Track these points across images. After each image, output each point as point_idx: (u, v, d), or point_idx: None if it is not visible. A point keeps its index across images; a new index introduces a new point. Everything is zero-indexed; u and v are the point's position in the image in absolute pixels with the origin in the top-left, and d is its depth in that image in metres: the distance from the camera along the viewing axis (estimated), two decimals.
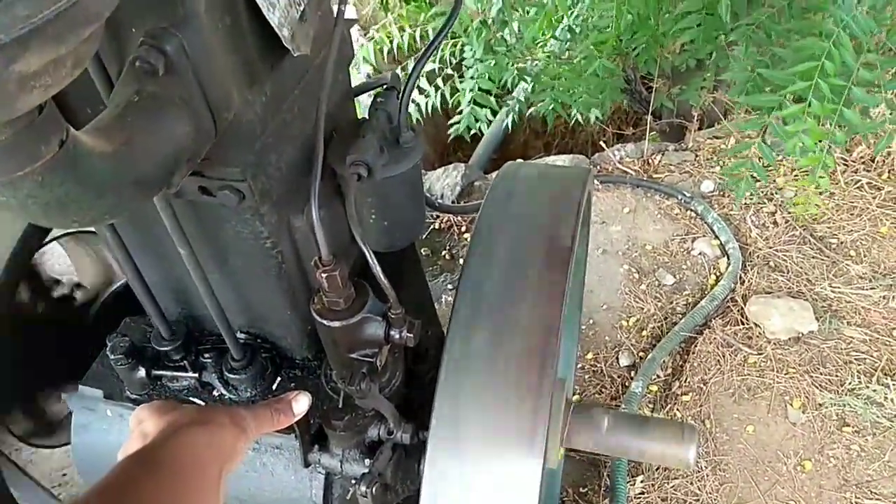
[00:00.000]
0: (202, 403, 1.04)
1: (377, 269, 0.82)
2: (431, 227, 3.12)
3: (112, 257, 0.97)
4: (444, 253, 3.03)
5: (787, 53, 1.75)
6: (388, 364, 0.96)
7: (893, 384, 2.25)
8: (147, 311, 1.02)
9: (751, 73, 1.96)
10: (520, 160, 1.36)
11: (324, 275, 0.79)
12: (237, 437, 0.74)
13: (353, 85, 1.05)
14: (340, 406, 0.93)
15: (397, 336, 0.86)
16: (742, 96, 1.88)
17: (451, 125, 3.00)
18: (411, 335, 0.86)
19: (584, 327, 2.59)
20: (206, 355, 1.04)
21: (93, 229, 1.56)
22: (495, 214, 1.10)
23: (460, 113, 2.95)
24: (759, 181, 2.04)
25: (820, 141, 1.70)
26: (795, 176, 3.07)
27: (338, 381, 0.92)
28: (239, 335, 1.06)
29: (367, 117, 0.93)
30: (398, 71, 2.75)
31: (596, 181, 3.13)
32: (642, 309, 2.66)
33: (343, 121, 1.00)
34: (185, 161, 0.68)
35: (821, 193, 2.09)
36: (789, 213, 2.90)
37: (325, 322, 0.84)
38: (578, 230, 1.08)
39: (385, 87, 0.96)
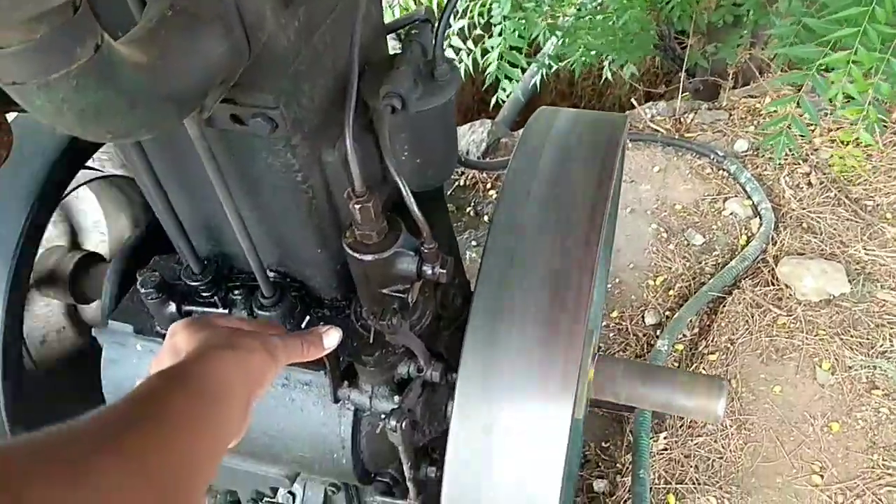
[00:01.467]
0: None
1: (411, 201, 0.80)
2: (456, 183, 3.10)
3: (145, 192, 0.96)
4: (468, 209, 3.01)
5: (833, 3, 1.68)
6: (419, 301, 0.95)
7: None
8: (176, 245, 1.02)
9: (794, 26, 1.89)
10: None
11: (357, 206, 0.78)
12: (267, 364, 0.74)
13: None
14: (371, 342, 0.92)
15: (430, 271, 0.85)
16: (784, 48, 1.81)
17: (478, 79, 2.94)
18: (444, 271, 0.85)
19: (609, 286, 2.57)
20: (236, 292, 1.04)
21: (125, 174, 1.57)
22: (531, 155, 1.07)
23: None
24: (801, 137, 1.97)
25: (863, 92, 1.63)
26: (832, 137, 2.99)
27: (368, 318, 0.91)
28: (269, 274, 1.05)
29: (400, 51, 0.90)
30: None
31: (627, 140, 3.07)
32: (670, 268, 2.63)
33: (376, 56, 0.97)
34: (219, 82, 0.67)
35: (867, 146, 2.01)
36: (824, 174, 2.83)
37: (357, 256, 0.83)
38: (615, 174, 1.05)
39: (420, 20, 0.94)
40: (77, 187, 1.52)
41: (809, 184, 2.81)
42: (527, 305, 0.92)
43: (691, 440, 2.11)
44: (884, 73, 1.63)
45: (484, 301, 0.93)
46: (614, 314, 2.51)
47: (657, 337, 2.38)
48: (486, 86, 2.94)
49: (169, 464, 0.53)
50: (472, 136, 3.16)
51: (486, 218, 2.99)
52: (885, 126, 2.99)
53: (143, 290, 1.01)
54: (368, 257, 0.82)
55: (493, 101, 2.98)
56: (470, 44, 2.93)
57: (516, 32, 2.77)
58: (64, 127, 0.53)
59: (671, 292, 2.55)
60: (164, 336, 1.07)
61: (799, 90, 1.97)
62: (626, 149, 1.45)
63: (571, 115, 1.21)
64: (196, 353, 0.69)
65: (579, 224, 0.98)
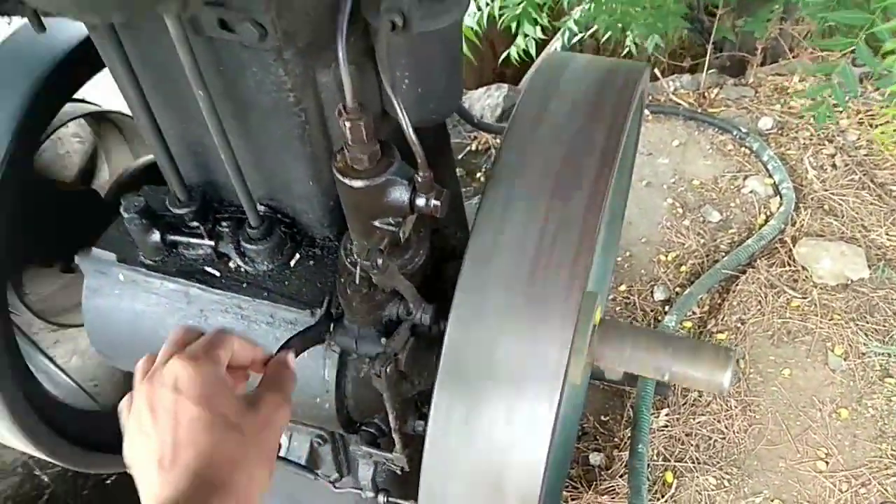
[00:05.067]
0: (216, 273, 0.99)
1: (408, 128, 0.74)
2: (468, 148, 3.03)
3: (131, 111, 0.91)
4: (479, 175, 2.94)
5: None
6: (411, 240, 0.89)
7: None
8: (163, 169, 0.96)
9: None
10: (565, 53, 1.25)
11: (348, 123, 0.72)
12: (284, 417, 0.73)
13: None
14: (358, 280, 0.87)
15: (423, 203, 0.79)
16: (825, 13, 1.72)
17: (495, 38, 2.85)
18: (439, 203, 0.79)
19: (619, 259, 2.50)
20: (224, 224, 0.99)
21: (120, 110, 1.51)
22: (537, 100, 1.01)
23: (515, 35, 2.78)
24: (839, 108, 1.87)
25: None
26: (860, 119, 2.88)
27: (356, 255, 0.86)
28: (259, 208, 1.00)
29: None
30: None
31: (646, 111, 2.98)
32: (683, 245, 2.56)
33: None
34: None
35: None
36: (850, 156, 2.73)
37: (346, 181, 0.77)
38: (627, 126, 0.98)
39: None
40: (68, 121, 1.47)
41: (834, 165, 2.72)
42: (524, 248, 0.87)
43: (693, 418, 2.06)
44: None
45: (479, 244, 0.87)
46: (622, 287, 2.45)
47: (665, 313, 2.32)
48: (502, 25, 2.79)
49: None
50: (487, 101, 3.08)
51: (493, 161, 2.91)
52: None
53: (126, 215, 0.96)
54: (358, 183, 0.76)
55: (506, 55, 2.88)
56: None
57: None
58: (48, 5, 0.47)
59: (683, 268, 2.49)
60: (148, 266, 1.02)
61: (827, 78, 1.88)
62: (644, 102, 1.37)
63: (585, 60, 1.14)
64: (214, 462, 0.64)
65: (586, 179, 0.91)
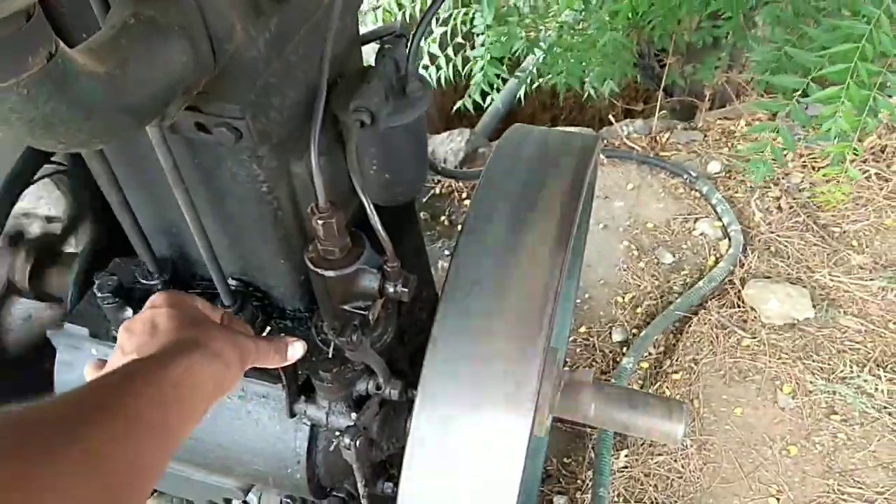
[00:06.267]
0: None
1: (375, 219, 0.79)
2: (432, 191, 3.09)
3: (103, 190, 0.94)
4: (443, 218, 3.00)
5: (817, 34, 1.70)
6: (380, 318, 0.94)
7: (885, 375, 2.25)
8: (137, 250, 1.00)
9: (777, 52, 1.91)
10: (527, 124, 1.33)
11: (320, 221, 0.77)
12: (234, 370, 0.75)
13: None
14: (330, 357, 0.91)
15: (392, 290, 0.84)
16: (766, 75, 1.83)
17: (459, 86, 2.94)
18: (406, 290, 0.84)
19: (579, 301, 2.58)
20: (199, 301, 1.02)
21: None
22: (499, 174, 1.07)
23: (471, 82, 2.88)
24: (775, 162, 1.99)
25: (854, 128, 1.65)
26: (804, 163, 3.03)
27: (328, 333, 0.90)
28: (231, 282, 1.04)
29: (373, 64, 0.90)
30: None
31: (602, 156, 3.09)
32: (639, 286, 2.65)
33: (349, 68, 0.96)
34: (181, 92, 0.66)
35: (839, 182, 2.05)
36: (794, 199, 2.87)
37: (318, 271, 0.82)
38: (584, 193, 1.05)
39: (394, 34, 0.93)
40: (37, 180, 1.48)
41: (779, 208, 2.85)
42: (490, 325, 0.92)
43: (651, 459, 2.12)
44: (870, 110, 1.65)
45: (446, 320, 0.92)
46: (582, 329, 2.53)
47: (623, 354, 2.39)
48: (472, 98, 2.93)
49: (119, 459, 0.54)
50: (450, 145, 3.16)
51: (460, 227, 2.98)
52: (855, 155, 3.04)
53: (99, 295, 0.99)
54: (330, 273, 0.81)
55: (457, 107, 2.98)
56: (450, 51, 2.93)
57: (498, 43, 2.78)
58: (14, 136, 0.51)
59: (639, 310, 2.57)
60: None
61: (775, 116, 2.00)
62: (597, 168, 1.46)
63: (542, 134, 1.21)
64: (177, 348, 0.69)
65: (545, 246, 0.98)
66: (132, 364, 0.66)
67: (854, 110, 1.61)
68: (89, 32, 0.70)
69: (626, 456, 2.15)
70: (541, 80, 3.08)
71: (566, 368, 2.21)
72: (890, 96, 1.69)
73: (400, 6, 2.88)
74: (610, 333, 2.51)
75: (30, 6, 0.44)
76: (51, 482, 0.47)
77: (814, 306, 2.45)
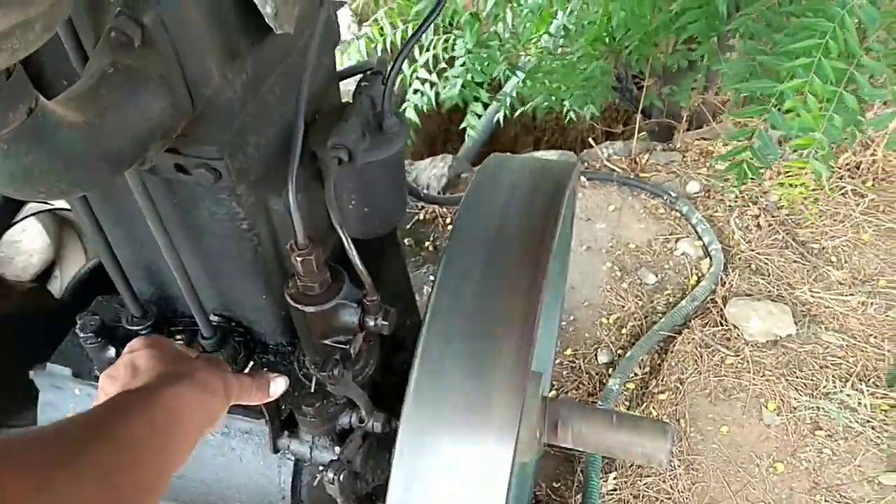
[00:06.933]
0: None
1: (353, 254, 0.81)
2: (416, 217, 3.11)
3: (84, 232, 0.95)
4: (427, 244, 3.02)
5: (785, 40, 1.74)
6: (362, 351, 0.95)
7: (867, 389, 2.27)
8: (119, 289, 1.00)
9: (750, 63, 1.95)
10: (504, 153, 1.36)
11: (299, 258, 0.78)
12: (221, 402, 0.76)
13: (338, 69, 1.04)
14: (312, 392, 0.92)
15: (372, 324, 0.85)
16: (740, 84, 1.87)
17: (443, 110, 2.97)
18: (386, 323, 0.85)
19: (564, 323, 2.59)
20: (178, 337, 1.03)
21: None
22: (477, 205, 1.09)
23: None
24: (759, 168, 2.03)
25: (817, 121, 1.68)
26: (781, 180, 3.08)
27: (310, 367, 0.91)
28: (212, 318, 1.04)
29: (350, 101, 0.91)
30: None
31: (583, 178, 3.13)
32: (623, 307, 2.67)
33: (327, 105, 0.98)
34: (160, 137, 0.67)
35: (812, 191, 2.09)
36: (773, 216, 2.91)
37: (299, 307, 0.83)
38: (559, 224, 1.07)
39: (370, 71, 0.95)
40: (23, 219, 1.49)
41: (759, 226, 2.89)
42: (471, 351, 0.93)
43: (640, 480, 2.13)
44: (836, 106, 1.69)
45: (426, 354, 0.93)
46: (568, 352, 2.54)
47: (609, 376, 2.40)
48: (446, 107, 2.97)
49: (123, 483, 0.57)
50: (433, 171, 3.18)
51: (440, 257, 3.00)
52: (831, 171, 3.10)
53: (82, 335, 0.99)
54: (310, 309, 0.82)
55: (463, 133, 3.03)
56: (434, 77, 2.97)
57: (479, 66, 2.82)
58: None
59: (623, 331, 2.59)
60: None
61: (750, 139, 2.04)
62: (576, 194, 1.48)
63: (519, 163, 1.23)
64: (162, 379, 0.71)
65: (523, 275, 0.99)
66: (121, 395, 0.69)
67: (819, 105, 1.64)
68: (70, 79, 0.72)
69: (614, 479, 2.15)
70: (523, 107, 3.12)
71: (553, 392, 2.21)
72: (863, 100, 1.73)
73: (382, 34, 2.92)
74: (595, 355, 2.52)
75: (10, 65, 0.45)
76: (68, 493, 0.50)
77: (795, 323, 2.47)
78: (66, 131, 0.55)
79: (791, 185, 2.18)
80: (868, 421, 2.20)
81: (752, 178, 2.16)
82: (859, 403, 2.24)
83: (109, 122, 0.59)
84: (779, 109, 1.84)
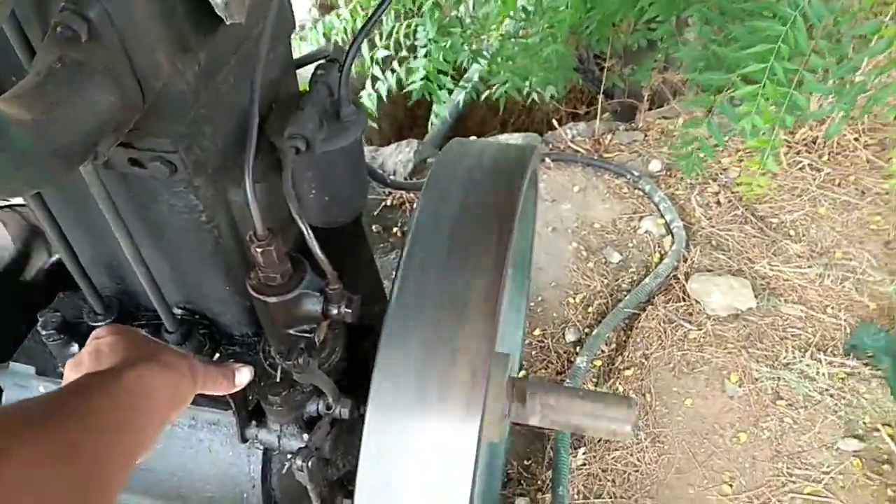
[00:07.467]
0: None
1: (314, 244, 0.81)
2: (383, 203, 3.11)
3: (43, 229, 0.94)
4: (395, 230, 3.02)
5: (741, 33, 1.77)
6: (327, 339, 0.96)
7: (825, 359, 2.35)
8: (80, 286, 0.99)
9: (704, 51, 1.99)
10: (465, 138, 1.37)
11: (259, 249, 0.79)
12: (188, 386, 0.75)
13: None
14: (278, 381, 0.93)
15: (336, 312, 0.86)
16: (694, 73, 1.91)
17: (408, 96, 2.97)
18: (350, 311, 0.86)
19: (532, 304, 2.62)
20: (142, 331, 1.02)
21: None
22: (436, 191, 1.10)
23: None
24: (706, 160, 2.09)
25: (769, 123, 1.74)
26: (740, 157, 3.15)
27: (276, 357, 0.92)
28: (176, 311, 1.04)
29: (307, 90, 0.91)
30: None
31: (547, 160, 3.16)
32: (589, 286, 2.71)
33: (284, 94, 0.98)
34: (111, 131, 0.66)
35: (763, 175, 2.16)
36: (732, 193, 2.97)
37: (261, 298, 0.83)
38: (519, 206, 1.09)
39: (327, 58, 0.95)
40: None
41: (718, 203, 2.95)
42: (436, 335, 0.94)
43: (608, 454, 2.18)
44: (788, 106, 1.74)
45: (390, 338, 0.94)
46: (536, 332, 2.57)
47: (577, 354, 2.44)
48: (411, 103, 2.98)
49: (89, 459, 0.55)
50: (398, 156, 3.18)
51: (403, 245, 3.00)
52: (788, 147, 3.17)
53: (44, 332, 0.98)
54: (272, 299, 0.83)
55: (429, 117, 3.03)
56: (395, 64, 2.96)
57: (441, 55, 2.82)
58: None
59: (590, 309, 2.63)
60: None
61: (709, 112, 2.08)
62: (537, 176, 1.50)
63: (479, 147, 1.24)
64: (128, 362, 0.70)
65: (485, 256, 1.01)
66: (85, 376, 0.67)
67: (772, 107, 1.69)
68: (20, 76, 0.71)
69: (583, 453, 2.19)
70: (487, 92, 3.13)
71: (522, 372, 2.24)
72: (810, 93, 1.78)
73: (343, 19, 2.90)
74: (563, 334, 2.56)
75: None
76: (25, 468, 0.48)
77: (755, 296, 2.54)
78: (14, 130, 0.54)
79: (748, 182, 2.23)
80: (826, 389, 2.28)
81: (700, 171, 2.23)
82: (818, 373, 2.32)
83: (58, 118, 0.59)
84: (731, 100, 1.88)
